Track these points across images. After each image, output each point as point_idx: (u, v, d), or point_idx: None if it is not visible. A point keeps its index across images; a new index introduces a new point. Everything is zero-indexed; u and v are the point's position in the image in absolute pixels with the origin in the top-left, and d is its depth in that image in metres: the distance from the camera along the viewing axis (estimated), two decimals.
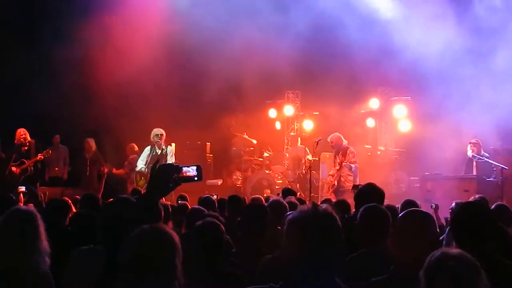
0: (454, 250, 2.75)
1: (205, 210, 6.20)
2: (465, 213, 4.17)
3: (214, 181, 14.77)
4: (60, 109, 13.36)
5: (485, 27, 14.01)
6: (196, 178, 3.64)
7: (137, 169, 12.56)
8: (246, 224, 5.22)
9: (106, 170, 13.71)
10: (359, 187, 6.32)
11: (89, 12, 14.23)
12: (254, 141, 15.63)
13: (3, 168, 12.17)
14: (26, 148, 12.19)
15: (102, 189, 13.32)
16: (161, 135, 12.36)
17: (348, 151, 12.50)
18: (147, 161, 12.40)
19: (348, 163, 12.42)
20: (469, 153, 12.54)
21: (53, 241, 3.53)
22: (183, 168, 3.59)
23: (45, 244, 3.33)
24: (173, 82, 14.70)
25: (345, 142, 12.72)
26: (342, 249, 2.73)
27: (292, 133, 16.33)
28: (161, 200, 3.78)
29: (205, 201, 7.41)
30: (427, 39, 14.35)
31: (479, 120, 12.78)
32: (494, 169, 12.38)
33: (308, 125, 16.23)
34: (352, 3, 15.24)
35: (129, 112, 14.03)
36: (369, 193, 5.31)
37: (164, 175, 3.46)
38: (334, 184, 12.42)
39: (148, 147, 12.50)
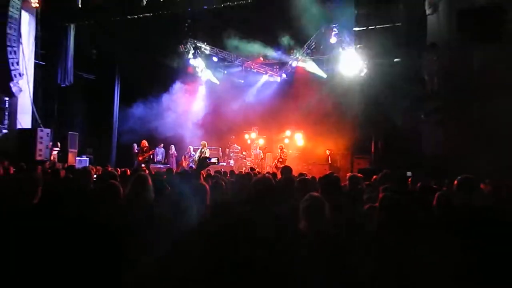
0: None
1: (219, 175, 6.13)
2: (325, 179, 4.25)
3: (222, 164, 14.58)
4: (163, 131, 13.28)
5: None
6: (216, 163, 3.68)
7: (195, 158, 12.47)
8: (239, 183, 4.96)
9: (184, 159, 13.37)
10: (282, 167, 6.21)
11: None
12: (239, 147, 15.56)
13: (136, 158, 12.38)
14: (145, 149, 12.28)
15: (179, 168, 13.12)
16: (201, 144, 12.39)
17: (284, 152, 12.73)
18: (199, 155, 12.07)
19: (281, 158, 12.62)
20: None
21: (155, 189, 3.49)
22: (211, 158, 3.63)
23: (151, 187, 3.33)
24: (208, 119, 14.77)
25: (284, 148, 13.01)
26: (276, 194, 2.76)
27: (254, 144, 16.27)
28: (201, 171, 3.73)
29: (219, 172, 7.39)
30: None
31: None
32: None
33: (261, 141, 16.06)
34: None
35: (188, 131, 13.97)
36: (285, 170, 5.26)
37: (203, 161, 3.48)
38: (276, 165, 12.60)
39: (200, 148, 12.59)
